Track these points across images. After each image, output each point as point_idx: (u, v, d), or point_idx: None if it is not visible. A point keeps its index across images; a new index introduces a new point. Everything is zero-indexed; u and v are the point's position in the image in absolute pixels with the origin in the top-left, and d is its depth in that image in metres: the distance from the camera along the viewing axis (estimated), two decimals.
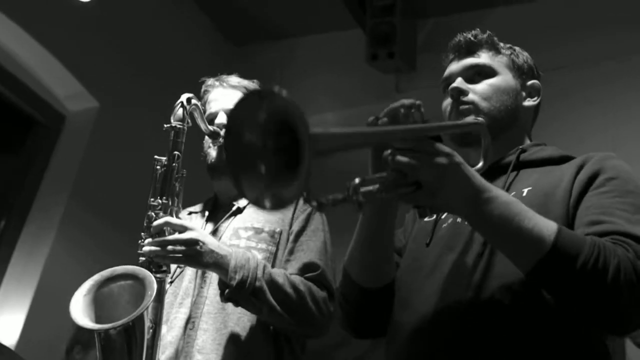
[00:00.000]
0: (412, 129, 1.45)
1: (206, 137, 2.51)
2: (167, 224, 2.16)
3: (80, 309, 1.99)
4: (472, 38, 1.97)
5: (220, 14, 5.40)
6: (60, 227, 4.02)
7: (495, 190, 1.47)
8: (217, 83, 2.63)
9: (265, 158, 1.23)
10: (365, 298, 1.79)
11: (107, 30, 4.42)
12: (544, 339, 1.51)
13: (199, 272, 2.37)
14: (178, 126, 2.32)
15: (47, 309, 3.69)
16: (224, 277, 2.14)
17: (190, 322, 2.27)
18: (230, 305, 2.20)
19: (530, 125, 2.02)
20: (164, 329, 2.27)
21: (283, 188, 1.20)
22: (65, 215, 4.06)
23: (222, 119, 2.51)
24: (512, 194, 1.66)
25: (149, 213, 2.23)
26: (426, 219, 1.90)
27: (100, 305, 2.04)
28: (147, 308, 2.00)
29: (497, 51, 1.97)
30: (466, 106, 1.86)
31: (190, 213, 2.63)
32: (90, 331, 2.00)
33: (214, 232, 2.46)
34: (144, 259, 2.16)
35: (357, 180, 1.31)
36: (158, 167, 2.30)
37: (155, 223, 2.17)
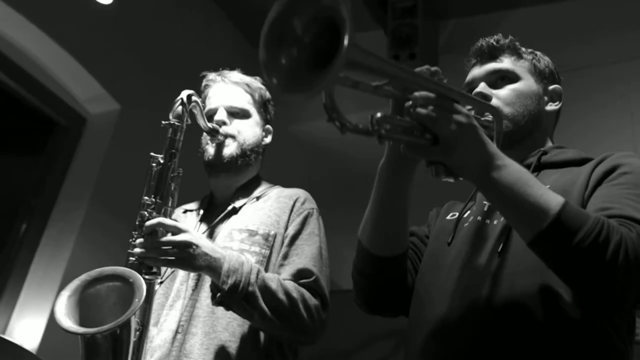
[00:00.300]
0: (437, 84, 1.47)
1: (204, 133, 2.46)
2: (160, 224, 2.09)
3: (64, 311, 1.93)
4: (494, 43, 1.97)
5: (239, 15, 5.37)
6: (82, 230, 4.01)
7: (508, 159, 1.50)
8: (218, 78, 2.58)
9: (301, 45, 1.31)
10: (376, 266, 1.78)
11: (127, 32, 4.42)
12: (561, 342, 1.52)
13: (192, 274, 2.31)
14: (176, 124, 2.29)
15: None
16: (216, 281, 2.08)
17: (179, 326, 2.22)
18: (220, 309, 2.15)
19: (552, 129, 2.02)
20: (153, 331, 2.23)
21: (302, 79, 1.28)
22: (87, 218, 4.05)
23: (222, 115, 2.47)
24: None
25: (142, 212, 2.18)
26: (448, 217, 1.95)
27: (86, 306, 1.98)
28: (134, 313, 1.93)
29: (519, 56, 1.97)
30: None
31: (185, 211, 2.58)
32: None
33: (210, 233, 2.40)
34: (134, 259, 2.11)
35: (380, 114, 1.35)
36: (154, 164, 2.25)
37: (147, 223, 2.10)
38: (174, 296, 2.30)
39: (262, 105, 2.61)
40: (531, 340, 1.54)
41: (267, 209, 2.41)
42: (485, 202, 1.86)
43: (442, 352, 1.64)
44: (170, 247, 2.05)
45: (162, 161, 2.25)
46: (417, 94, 1.43)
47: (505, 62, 1.95)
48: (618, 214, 1.50)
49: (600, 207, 1.55)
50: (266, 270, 2.25)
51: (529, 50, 2.01)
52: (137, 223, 2.17)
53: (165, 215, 2.18)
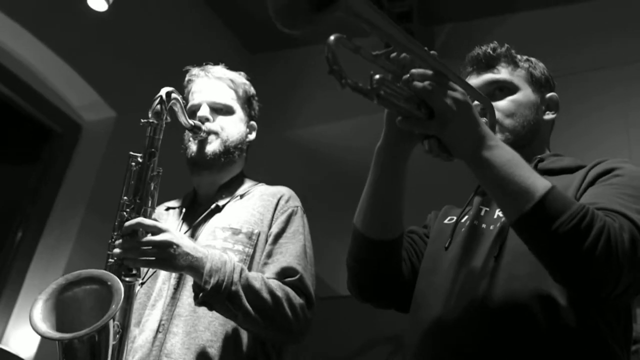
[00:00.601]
0: (435, 59, 1.48)
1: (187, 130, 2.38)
2: (139, 224, 2.01)
3: (40, 315, 1.85)
4: (490, 52, 1.95)
5: (236, 22, 5.36)
6: (78, 238, 4.00)
7: (500, 141, 1.52)
8: (202, 73, 2.51)
9: None
10: (371, 251, 1.77)
11: (122, 40, 4.40)
12: (556, 346, 1.51)
13: (174, 273, 2.24)
14: (155, 122, 2.21)
15: None
16: (198, 281, 2.01)
17: (160, 325, 2.15)
18: (202, 308, 2.07)
19: (549, 137, 2.01)
20: (135, 331, 2.17)
21: (301, 14, 1.29)
22: (83, 225, 4.04)
23: (204, 111, 2.40)
24: None
25: (121, 212, 2.11)
26: (446, 221, 1.95)
27: (63, 311, 1.90)
28: (112, 317, 1.86)
29: (516, 65, 1.95)
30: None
31: (168, 208, 2.51)
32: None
33: (192, 232, 2.33)
34: (113, 261, 2.04)
35: (379, 75, 1.36)
36: (133, 164, 2.17)
37: (126, 223, 2.03)
38: (156, 296, 2.24)
39: (246, 101, 2.54)
40: (525, 344, 1.53)
41: (250, 207, 2.35)
42: (482, 207, 1.86)
43: (436, 353, 1.64)
44: (150, 248, 1.98)
45: (141, 160, 2.18)
46: (414, 70, 1.45)
47: (503, 73, 1.93)
48: (604, 206, 1.50)
49: (589, 202, 1.54)
50: (249, 269, 2.18)
51: (525, 57, 1.99)
52: (116, 224, 2.11)
53: (145, 216, 2.10)
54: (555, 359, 1.52)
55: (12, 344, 3.62)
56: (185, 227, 2.38)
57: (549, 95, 1.98)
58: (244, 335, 2.17)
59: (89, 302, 1.93)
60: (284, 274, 2.19)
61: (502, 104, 1.88)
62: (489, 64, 1.95)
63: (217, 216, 2.36)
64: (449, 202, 2.11)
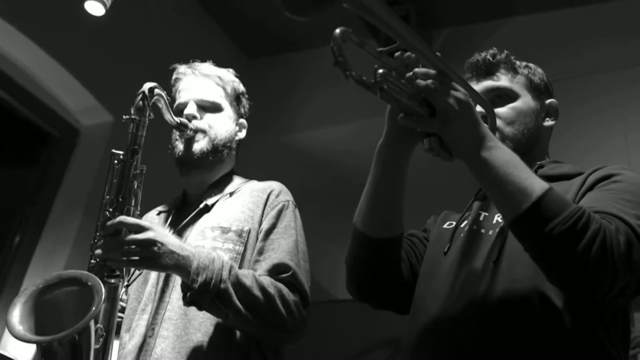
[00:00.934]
0: (439, 59, 1.49)
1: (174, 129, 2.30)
2: (121, 223, 1.92)
3: (18, 318, 1.78)
4: (490, 58, 1.94)
5: (234, 27, 5.33)
6: (76, 242, 3.97)
7: (499, 142, 1.53)
8: (188, 71, 2.43)
9: None
10: (371, 250, 1.76)
11: (120, 44, 4.36)
12: (554, 349, 1.51)
13: (163, 275, 2.16)
14: (137, 118, 2.14)
15: None
16: (186, 280, 1.92)
17: (149, 329, 2.07)
18: (193, 310, 1.99)
19: (548, 143, 2.01)
20: (126, 337, 2.11)
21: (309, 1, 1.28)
22: (81, 229, 4.00)
23: (191, 109, 2.32)
24: None
25: (104, 212, 2.03)
26: (445, 226, 1.94)
27: (42, 313, 1.82)
28: (92, 319, 1.79)
29: (515, 71, 1.94)
30: None
31: (159, 212, 2.43)
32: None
33: (181, 233, 2.23)
34: (95, 262, 1.96)
35: (382, 70, 1.37)
36: (115, 162, 2.10)
37: (108, 223, 1.94)
38: (146, 300, 2.16)
39: (235, 99, 2.46)
40: (522, 346, 1.53)
41: (240, 204, 2.26)
42: (481, 212, 1.85)
43: (432, 352, 1.64)
44: (133, 247, 1.89)
45: (123, 158, 2.10)
46: (418, 69, 1.46)
47: (503, 80, 1.92)
48: (601, 210, 1.50)
49: (586, 206, 1.52)
50: (241, 268, 2.09)
51: (524, 63, 1.98)
52: (98, 224, 2.03)
53: (128, 215, 2.02)
54: (550, 355, 1.51)
55: (9, 349, 3.60)
56: (175, 231, 2.27)
57: (548, 101, 1.97)
58: (237, 335, 2.07)
59: (70, 304, 1.85)
60: (276, 271, 2.09)
61: (502, 112, 1.87)
62: (488, 70, 1.94)
63: (206, 216, 2.27)
64: (449, 207, 2.11)
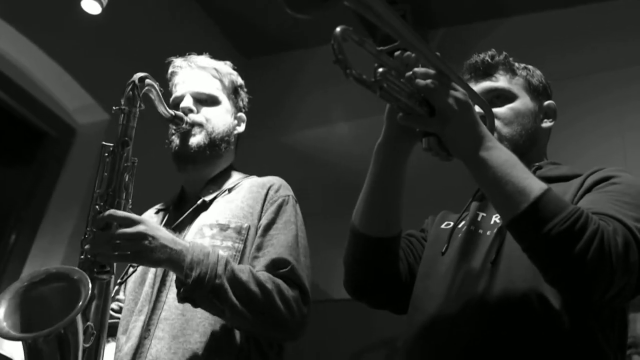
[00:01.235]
0: (439, 59, 1.49)
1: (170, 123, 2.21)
2: (111, 217, 1.84)
3: (2, 315, 1.70)
4: (488, 59, 1.94)
5: (231, 26, 5.30)
6: (71, 241, 3.92)
7: (498, 142, 1.53)
8: (184, 63, 2.35)
9: None
10: (369, 248, 1.75)
11: (117, 43, 4.31)
12: (550, 351, 1.50)
13: (160, 275, 2.08)
14: (127, 109, 2.05)
15: None
16: (179, 275, 1.84)
17: (145, 330, 1.99)
18: (190, 310, 1.92)
19: (546, 144, 2.00)
20: (123, 339, 2.04)
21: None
22: (76, 229, 3.96)
23: (188, 102, 2.24)
24: None
25: (94, 206, 1.94)
26: (443, 226, 1.94)
27: (28, 310, 1.74)
28: (78, 314, 1.70)
29: (514, 73, 1.94)
30: None
31: (158, 211, 2.36)
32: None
33: (179, 231, 2.15)
34: (85, 257, 1.88)
35: (382, 69, 1.37)
36: (106, 154, 2.01)
37: (98, 217, 1.87)
38: (143, 301, 2.08)
39: (233, 92, 2.39)
40: (519, 346, 1.52)
41: (239, 200, 2.18)
42: (479, 212, 1.84)
43: (430, 353, 1.64)
44: (123, 241, 1.80)
45: (113, 150, 2.01)
46: (417, 69, 1.46)
47: (501, 81, 1.92)
48: (598, 211, 1.49)
49: (584, 207, 1.51)
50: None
51: (522, 65, 1.98)
52: (89, 218, 1.94)
53: (118, 208, 1.93)
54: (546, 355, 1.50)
55: (5, 348, 3.59)
56: (171, 228, 2.17)
57: (546, 103, 1.97)
58: (237, 334, 1.99)
59: (57, 300, 1.76)
60: (274, 266, 2.01)
61: (500, 112, 1.87)
62: (486, 71, 1.94)
63: (204, 214, 2.19)
64: (447, 207, 2.10)
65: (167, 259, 1.83)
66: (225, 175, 2.32)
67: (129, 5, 4.36)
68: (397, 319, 1.92)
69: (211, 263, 1.86)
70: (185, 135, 2.22)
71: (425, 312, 1.70)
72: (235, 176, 2.33)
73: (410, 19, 4.74)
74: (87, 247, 1.86)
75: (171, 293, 2.01)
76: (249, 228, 2.11)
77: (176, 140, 2.24)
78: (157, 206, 2.39)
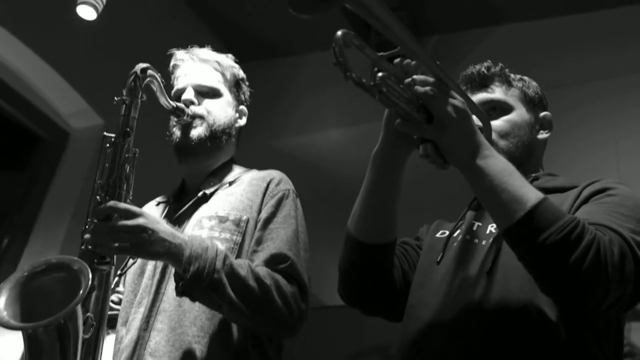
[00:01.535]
0: (438, 67, 1.49)
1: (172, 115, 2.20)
2: (111, 208, 1.82)
3: (3, 304, 1.68)
4: (484, 71, 1.95)
5: (225, 31, 5.30)
6: (64, 245, 3.91)
7: (495, 151, 1.53)
8: (186, 56, 2.35)
9: None
10: (364, 255, 1.74)
11: (111, 47, 4.30)
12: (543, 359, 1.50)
13: (159, 267, 2.07)
14: (129, 100, 2.04)
15: None
16: (178, 269, 1.82)
17: (144, 322, 1.97)
18: (187, 302, 1.90)
19: (542, 156, 2.00)
20: (123, 331, 2.02)
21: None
22: (69, 233, 3.95)
23: (189, 94, 2.24)
24: None
25: (94, 197, 1.93)
26: (438, 235, 1.93)
27: (29, 300, 1.72)
28: (78, 305, 1.68)
29: (509, 84, 1.95)
30: None
31: (158, 203, 2.35)
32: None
33: (179, 223, 2.14)
34: (85, 248, 1.85)
35: (381, 73, 1.37)
36: (107, 145, 1.99)
37: (99, 208, 1.84)
38: (142, 292, 2.07)
39: (235, 85, 2.39)
40: (516, 357, 1.52)
41: (239, 193, 2.17)
42: (474, 222, 1.83)
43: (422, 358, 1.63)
44: (122, 233, 1.79)
45: (115, 141, 1.99)
46: (416, 76, 1.46)
47: (497, 92, 1.93)
48: (595, 222, 1.48)
49: (581, 218, 1.54)
50: (239, 258, 2.01)
51: (518, 76, 1.98)
52: (89, 209, 1.92)
53: (119, 199, 1.91)
54: None
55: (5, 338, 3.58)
56: (170, 220, 2.17)
57: (542, 114, 1.97)
58: (234, 329, 1.97)
59: (58, 290, 1.74)
60: (273, 261, 1.99)
61: (496, 124, 1.87)
62: (482, 83, 1.95)
63: (204, 206, 2.18)
64: (443, 215, 2.10)
65: (166, 253, 1.82)
66: (226, 168, 2.31)
67: (123, 11, 4.35)
68: (391, 326, 1.91)
69: (210, 257, 1.84)
70: (187, 128, 2.22)
71: (420, 321, 1.69)
72: (237, 169, 2.33)
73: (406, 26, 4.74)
74: (87, 237, 1.83)
75: (170, 285, 2.00)
76: (247, 221, 2.09)
77: (177, 132, 2.24)
78: (158, 198, 2.38)
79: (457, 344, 1.58)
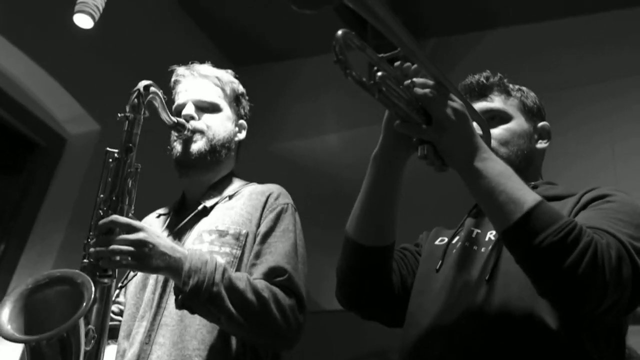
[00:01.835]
0: (439, 71, 1.51)
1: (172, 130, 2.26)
2: (113, 222, 1.88)
3: (6, 317, 1.71)
4: (484, 80, 1.98)
5: (221, 35, 5.33)
6: (60, 252, 3.91)
7: (493, 155, 1.54)
8: (187, 72, 2.41)
9: None
10: (360, 257, 1.75)
11: (107, 53, 4.31)
12: None
13: (161, 281, 2.11)
14: (132, 116, 2.09)
15: None
16: (177, 282, 1.87)
17: (146, 336, 2.02)
18: (188, 316, 1.94)
19: (541, 165, 2.02)
20: (125, 344, 2.06)
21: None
22: (65, 240, 3.95)
23: (189, 109, 2.29)
24: None
25: (97, 210, 1.98)
26: (437, 242, 1.94)
27: (32, 313, 1.76)
28: (81, 318, 1.72)
29: (508, 94, 1.98)
30: None
31: (159, 215, 2.39)
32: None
33: (179, 236, 2.20)
34: (88, 261, 1.91)
35: (381, 72, 1.38)
36: (110, 160, 2.04)
37: (100, 222, 1.90)
38: (145, 306, 2.11)
39: (235, 99, 2.45)
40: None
41: (239, 207, 2.22)
42: (473, 229, 1.84)
43: None
44: (124, 247, 1.84)
45: (117, 156, 2.05)
46: (417, 79, 1.48)
47: (496, 102, 1.95)
48: (592, 225, 1.49)
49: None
50: (238, 271, 2.06)
51: (517, 87, 2.01)
52: (92, 223, 1.98)
53: (121, 213, 1.97)
54: None
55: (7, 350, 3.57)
56: (171, 233, 2.25)
57: (541, 124, 1.99)
58: (233, 342, 2.01)
59: (60, 304, 1.79)
60: (272, 274, 2.04)
61: (496, 132, 1.89)
62: (482, 92, 1.97)
63: (204, 219, 2.23)
64: (442, 223, 2.10)
65: (166, 267, 1.87)
66: (226, 181, 2.37)
67: (121, 16, 4.35)
68: (389, 331, 1.92)
69: (209, 271, 1.89)
70: (187, 142, 2.28)
71: (420, 327, 1.70)
72: (236, 183, 2.38)
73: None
74: (90, 250, 1.89)
75: (171, 299, 2.03)
76: (247, 235, 2.14)
77: (178, 146, 2.29)
78: (159, 211, 2.43)
79: (456, 349, 1.59)
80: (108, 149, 2.08)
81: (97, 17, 3.63)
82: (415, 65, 1.51)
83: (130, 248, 1.83)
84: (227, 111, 2.40)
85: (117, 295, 2.29)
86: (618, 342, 1.62)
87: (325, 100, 5.21)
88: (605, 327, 1.57)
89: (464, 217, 1.95)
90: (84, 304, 1.72)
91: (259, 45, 5.42)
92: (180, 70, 2.43)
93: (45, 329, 1.71)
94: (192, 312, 1.90)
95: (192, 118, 2.29)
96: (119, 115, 2.10)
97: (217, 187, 2.33)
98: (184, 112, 2.30)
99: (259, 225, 2.17)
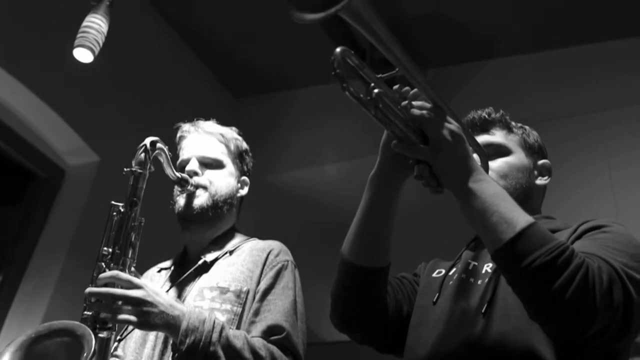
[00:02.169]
0: (437, 94, 1.52)
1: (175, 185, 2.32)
2: (113, 278, 1.93)
3: None
4: (486, 116, 2.01)
5: (221, 66, 5.39)
6: (58, 285, 3.91)
7: (489, 177, 1.57)
8: (192, 128, 2.47)
9: None
10: (355, 277, 1.76)
11: (107, 86, 4.36)
12: None
13: (161, 337, 2.15)
14: (138, 171, 2.12)
15: None
16: (175, 340, 1.92)
17: None
18: None
19: (541, 202, 2.03)
20: None
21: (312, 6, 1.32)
22: (63, 272, 3.96)
23: (193, 165, 2.35)
24: None
25: (99, 263, 2.02)
26: (434, 275, 1.94)
27: None
28: None
29: (510, 130, 2.01)
30: None
31: (160, 270, 2.44)
32: None
33: (179, 291, 2.24)
34: (88, 314, 1.94)
35: (378, 89, 1.39)
36: (114, 213, 2.09)
37: (101, 276, 1.95)
38: None
39: (238, 156, 2.50)
40: None
41: (239, 263, 2.26)
42: (470, 261, 1.86)
43: None
44: (123, 304, 1.89)
45: (122, 210, 2.10)
46: (414, 101, 1.50)
47: (497, 136, 1.99)
48: (585, 251, 1.50)
49: None
50: (238, 329, 2.10)
51: (519, 124, 2.05)
52: (94, 275, 2.02)
53: (124, 267, 2.02)
54: None
55: None
56: (171, 287, 2.29)
57: (541, 161, 2.03)
58: None
59: (60, 355, 1.83)
60: (270, 332, 2.08)
61: (495, 165, 1.92)
62: (484, 127, 2.01)
63: (205, 276, 2.26)
64: (441, 252, 2.11)
65: (164, 325, 1.91)
66: (227, 236, 2.41)
67: (119, 49, 4.38)
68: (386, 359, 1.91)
69: (206, 330, 1.93)
70: (190, 197, 2.33)
71: (419, 356, 1.71)
72: (238, 238, 2.42)
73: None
74: (92, 301, 1.93)
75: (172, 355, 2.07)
76: (247, 292, 2.18)
77: (180, 201, 2.35)
78: (160, 265, 2.47)
79: None
80: (113, 202, 2.12)
81: (97, 51, 3.68)
82: (415, 90, 1.53)
83: (129, 306, 1.88)
84: (230, 167, 2.46)
85: (115, 349, 2.31)
86: None
87: (324, 131, 5.23)
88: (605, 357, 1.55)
89: (461, 250, 1.95)
90: (84, 355, 1.76)
91: (257, 76, 5.46)
92: (186, 126, 2.50)
93: None
94: None
95: (196, 174, 2.35)
96: (125, 170, 2.15)
97: (218, 242, 2.38)
98: (187, 167, 2.36)
99: (259, 282, 2.21)
